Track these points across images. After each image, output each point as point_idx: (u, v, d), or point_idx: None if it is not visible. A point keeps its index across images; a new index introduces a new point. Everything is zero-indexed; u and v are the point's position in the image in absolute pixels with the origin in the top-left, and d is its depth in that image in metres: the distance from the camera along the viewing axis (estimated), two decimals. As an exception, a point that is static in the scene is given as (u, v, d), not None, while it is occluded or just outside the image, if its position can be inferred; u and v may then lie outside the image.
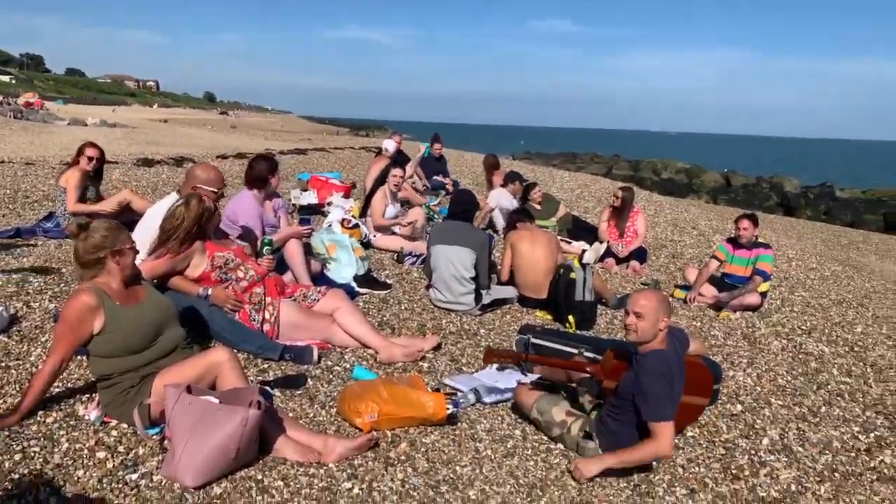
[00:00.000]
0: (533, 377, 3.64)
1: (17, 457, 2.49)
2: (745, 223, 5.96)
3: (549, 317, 5.05)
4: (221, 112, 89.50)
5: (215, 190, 4.09)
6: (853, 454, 3.45)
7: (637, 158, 42.78)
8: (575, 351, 3.97)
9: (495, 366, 3.86)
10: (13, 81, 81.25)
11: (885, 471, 3.33)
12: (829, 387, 4.34)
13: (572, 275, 4.90)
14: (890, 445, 3.61)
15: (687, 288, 6.14)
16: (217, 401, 2.60)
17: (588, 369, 3.26)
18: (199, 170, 4.23)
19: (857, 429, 3.74)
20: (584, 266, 5.04)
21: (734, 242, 6.04)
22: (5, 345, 3.37)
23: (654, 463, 3.03)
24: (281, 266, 4.65)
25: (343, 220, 6.12)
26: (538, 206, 8.10)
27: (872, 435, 3.70)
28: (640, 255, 7.20)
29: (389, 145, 9.41)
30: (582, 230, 8.09)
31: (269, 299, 3.80)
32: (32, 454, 2.52)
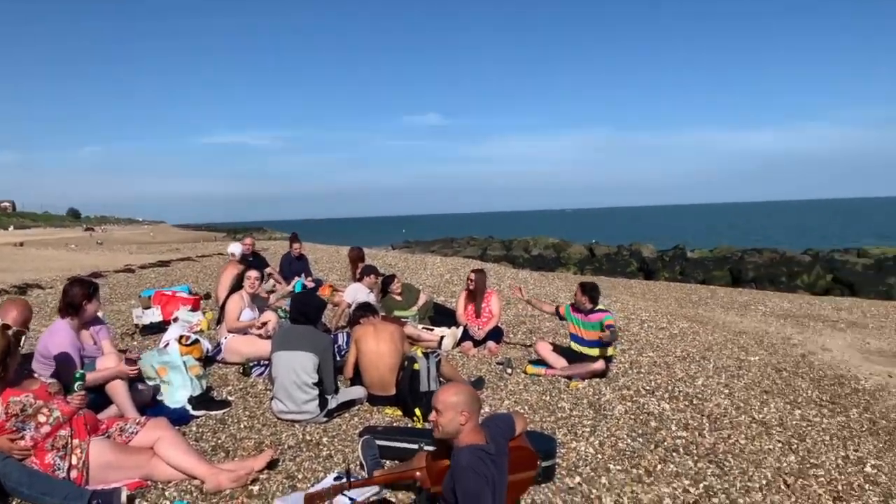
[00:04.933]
0: (369, 492, 3.51)
1: None
2: (577, 290, 6.42)
3: (398, 412, 4.98)
4: (87, 228, 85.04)
5: (13, 326, 3.79)
6: (682, 508, 3.58)
7: (510, 238, 44.72)
8: (416, 446, 3.92)
9: (333, 476, 3.73)
10: None
11: (712, 521, 3.48)
12: (666, 443, 4.53)
13: (416, 366, 4.90)
14: (717, 493, 3.79)
15: (539, 363, 6.33)
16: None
17: (417, 474, 3.20)
18: (4, 305, 3.94)
19: (687, 482, 3.90)
20: (427, 355, 5.06)
21: (577, 309, 6.40)
22: None
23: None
24: (105, 399, 4.34)
25: (181, 336, 5.83)
26: (398, 297, 8.16)
27: (702, 485, 3.87)
28: (496, 335, 7.37)
29: (235, 249, 9.29)
30: (445, 316, 8.20)
31: (76, 441, 3.47)
32: None
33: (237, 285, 6.80)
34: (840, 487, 4.09)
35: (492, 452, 2.88)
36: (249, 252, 9.98)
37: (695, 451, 4.42)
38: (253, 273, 6.81)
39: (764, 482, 4.04)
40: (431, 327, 7.68)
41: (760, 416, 5.39)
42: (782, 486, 4.02)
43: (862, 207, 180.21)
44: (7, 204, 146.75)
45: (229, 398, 5.29)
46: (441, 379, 5.05)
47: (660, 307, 11.93)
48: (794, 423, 5.29)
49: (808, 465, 4.40)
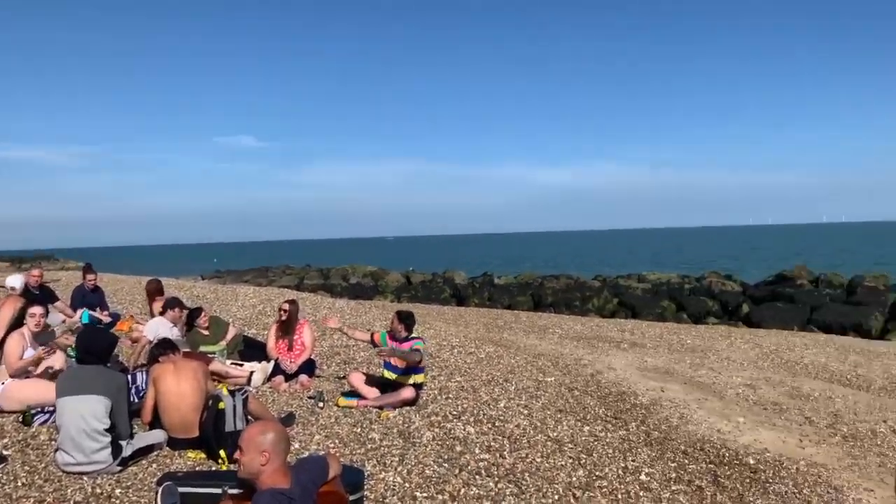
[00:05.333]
0: None
1: None
2: (394, 318, 6.59)
3: (201, 455, 4.75)
4: None
5: None
6: (482, 529, 3.80)
7: (327, 266, 44.30)
8: (219, 490, 3.77)
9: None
10: None
11: (509, 538, 3.73)
12: (470, 467, 4.79)
13: (221, 405, 4.71)
14: (515, 512, 4.08)
15: (352, 395, 6.36)
16: None
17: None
18: None
19: (488, 503, 4.15)
20: (233, 393, 4.90)
21: (392, 336, 6.55)
22: None
23: None
24: None
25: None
26: (205, 332, 7.79)
27: (500, 505, 4.14)
28: (309, 368, 7.28)
29: (15, 282, 8.34)
30: (255, 349, 7.94)
31: None
32: None
33: (18, 323, 6.11)
34: (619, 496, 4.58)
35: (294, 497, 2.81)
36: (36, 284, 8.98)
37: (496, 473, 4.72)
38: (38, 310, 6.18)
39: (556, 497, 4.42)
40: (241, 362, 7.42)
41: (555, 433, 5.86)
42: (571, 500, 4.41)
43: (640, 237, 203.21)
44: None
45: (4, 452, 4.68)
46: (249, 417, 4.90)
47: (469, 332, 12.48)
48: (583, 438, 5.82)
49: (594, 478, 4.87)
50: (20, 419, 5.36)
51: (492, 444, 5.37)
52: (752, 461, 5.67)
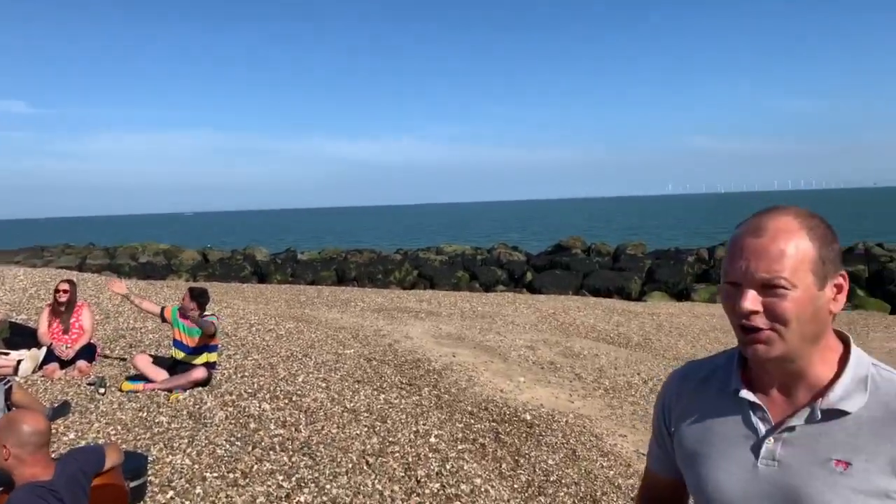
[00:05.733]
0: None
1: None
2: (185, 295, 6.30)
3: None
4: None
5: None
6: (275, 502, 3.87)
7: (115, 245, 40.53)
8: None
9: None
10: None
11: (301, 508, 3.85)
12: (263, 443, 4.80)
13: (-22, 398, 4.25)
14: (308, 483, 4.19)
15: (137, 378, 6.03)
16: None
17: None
18: None
19: (281, 477, 4.23)
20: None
21: (184, 315, 6.25)
22: None
23: None
24: None
25: None
26: (-42, 320, 6.87)
27: (294, 479, 4.23)
28: (88, 352, 6.75)
29: None
30: (25, 336, 7.15)
31: None
32: None
33: None
34: (410, 459, 4.86)
35: (56, 489, 2.66)
36: None
37: (290, 447, 4.78)
38: None
39: (350, 465, 4.59)
40: (7, 351, 6.66)
41: (352, 404, 6.03)
42: (364, 467, 4.62)
43: (439, 211, 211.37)
44: None
45: None
46: (14, 409, 4.45)
47: (270, 309, 12.28)
48: (379, 406, 6.07)
49: (387, 444, 5.12)
50: None
51: (287, 419, 5.41)
52: (528, 417, 6.30)
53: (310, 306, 14.04)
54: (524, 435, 5.87)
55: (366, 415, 5.80)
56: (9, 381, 4.74)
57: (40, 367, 6.49)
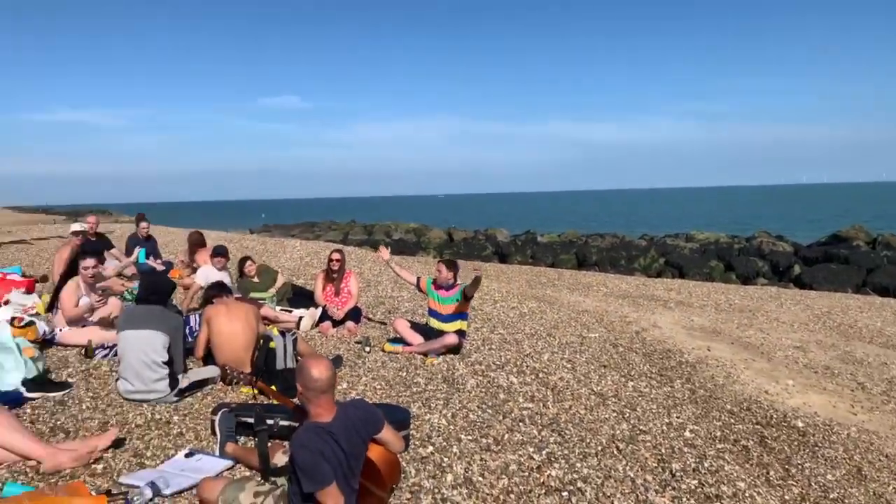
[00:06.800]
0: (221, 467, 3.49)
1: None
2: (441, 266, 6.57)
3: (256, 390, 4.91)
4: None
5: None
6: (527, 474, 3.85)
7: (371, 222, 44.78)
8: (271, 422, 3.92)
9: (184, 452, 3.67)
10: None
11: (552, 483, 3.77)
12: (513, 414, 4.83)
13: (272, 344, 4.86)
14: (558, 459, 4.11)
15: (397, 341, 6.47)
16: None
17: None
18: None
19: (531, 449, 4.20)
20: (283, 333, 5.03)
21: (437, 285, 6.58)
22: None
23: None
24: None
25: (14, 318, 5.39)
26: (255, 280, 7.99)
27: (544, 452, 4.17)
28: (355, 314, 7.41)
29: (78, 227, 8.67)
30: (303, 298, 8.11)
31: None
32: None
33: (73, 269, 6.28)
34: (663, 451, 4.55)
35: (333, 431, 2.89)
36: (92, 231, 9.29)
37: (539, 421, 4.75)
38: (89, 262, 6.18)
39: (599, 448, 4.42)
40: (290, 309, 7.59)
41: (598, 388, 5.85)
42: (615, 451, 4.42)
43: (689, 196, 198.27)
44: None
45: (70, 380, 4.97)
46: (298, 357, 5.03)
47: (512, 288, 12.50)
48: (628, 394, 5.80)
49: (637, 432, 4.86)
50: (82, 352, 5.62)
51: (535, 394, 5.40)
52: (800, 424, 5.58)
53: (551, 287, 14.04)
54: (795, 443, 5.20)
55: (613, 400, 5.58)
56: (294, 333, 5.36)
57: (316, 324, 7.28)
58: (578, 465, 4.07)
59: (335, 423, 2.95)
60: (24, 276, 8.43)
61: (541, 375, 5.97)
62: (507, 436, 4.39)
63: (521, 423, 4.66)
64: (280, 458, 3.25)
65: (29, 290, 7.58)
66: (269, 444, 3.64)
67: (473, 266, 7.13)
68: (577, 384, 5.87)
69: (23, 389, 4.48)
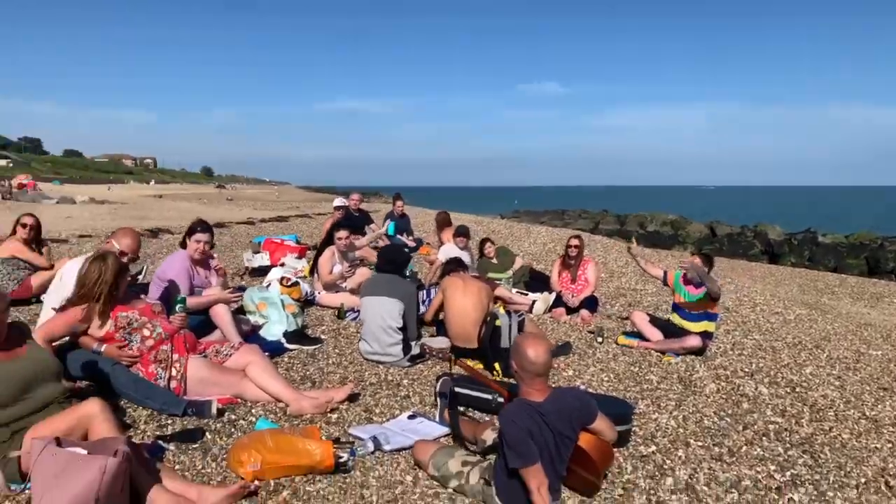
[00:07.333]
0: (439, 432, 3.61)
1: None
2: (698, 259, 6.05)
3: (479, 366, 5.01)
4: (218, 186, 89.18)
5: (126, 251, 4.19)
6: (762, 493, 3.37)
7: (624, 213, 43.30)
8: (490, 397, 3.96)
9: (408, 414, 3.87)
10: (10, 165, 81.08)
11: (793, 509, 3.26)
12: (756, 426, 4.28)
13: (498, 322, 4.91)
14: (805, 483, 3.54)
15: (632, 335, 6.14)
16: (84, 451, 2.57)
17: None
18: (119, 233, 4.37)
19: (773, 467, 3.67)
20: (509, 314, 5.05)
21: (687, 280, 6.09)
22: None
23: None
24: (211, 324, 4.68)
25: (283, 278, 6.19)
26: (494, 260, 8.20)
27: (789, 473, 3.62)
28: (590, 303, 7.20)
29: (338, 202, 9.78)
30: (539, 282, 8.13)
31: (176, 356, 3.81)
32: None
33: (330, 239, 6.99)
34: (957, 497, 3.70)
35: (544, 412, 2.84)
36: (356, 208, 10.32)
37: (787, 439, 4.15)
38: (343, 232, 6.82)
39: (863, 480, 3.73)
40: (525, 292, 7.64)
41: (873, 412, 4.95)
42: (883, 487, 3.69)
43: None
44: (150, 160, 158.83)
45: (322, 336, 5.56)
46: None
47: (779, 292, 11.22)
48: (911, 424, 4.83)
49: (919, 469, 4.01)
50: (336, 313, 6.27)
51: (788, 408, 4.73)
52: None
53: (828, 295, 12.31)
54: None
55: (891, 429, 4.66)
56: (522, 314, 5.37)
57: (549, 309, 7.22)
58: (830, 494, 3.47)
59: (546, 404, 2.88)
60: (298, 242, 9.67)
61: (798, 389, 5.22)
62: (744, 448, 3.91)
63: (764, 438, 4.11)
64: (489, 436, 3.26)
65: (301, 256, 8.67)
66: (479, 419, 3.69)
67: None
68: (846, 405, 5.02)
69: (283, 341, 5.13)
